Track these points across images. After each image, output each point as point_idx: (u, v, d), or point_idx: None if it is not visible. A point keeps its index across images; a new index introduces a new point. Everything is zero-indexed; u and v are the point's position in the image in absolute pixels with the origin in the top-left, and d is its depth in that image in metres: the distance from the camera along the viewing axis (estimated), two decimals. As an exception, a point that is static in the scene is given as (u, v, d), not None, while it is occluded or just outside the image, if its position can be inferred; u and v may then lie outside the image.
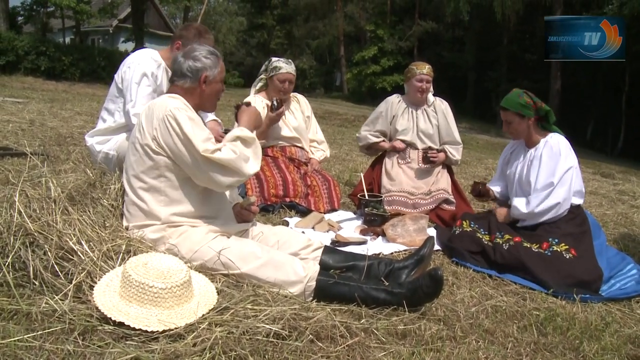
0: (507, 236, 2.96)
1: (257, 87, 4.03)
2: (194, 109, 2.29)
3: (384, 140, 4.02)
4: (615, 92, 21.89)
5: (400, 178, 3.85)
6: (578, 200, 3.06)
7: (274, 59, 3.96)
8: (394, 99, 4.06)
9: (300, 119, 4.04)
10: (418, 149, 3.94)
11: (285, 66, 3.87)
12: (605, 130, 22.55)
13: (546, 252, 2.84)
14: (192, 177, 2.23)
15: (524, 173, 3.14)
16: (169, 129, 2.16)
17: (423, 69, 3.87)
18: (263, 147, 3.94)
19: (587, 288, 2.68)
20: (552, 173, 2.96)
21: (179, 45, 3.07)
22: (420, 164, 3.91)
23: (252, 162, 2.28)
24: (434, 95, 4.02)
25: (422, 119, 3.96)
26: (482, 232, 3.07)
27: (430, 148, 3.92)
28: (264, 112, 3.90)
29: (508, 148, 3.38)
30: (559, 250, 2.83)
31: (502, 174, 3.40)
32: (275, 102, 3.78)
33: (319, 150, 4.19)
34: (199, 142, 2.14)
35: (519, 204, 3.05)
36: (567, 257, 2.80)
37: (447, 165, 4.03)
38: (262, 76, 3.99)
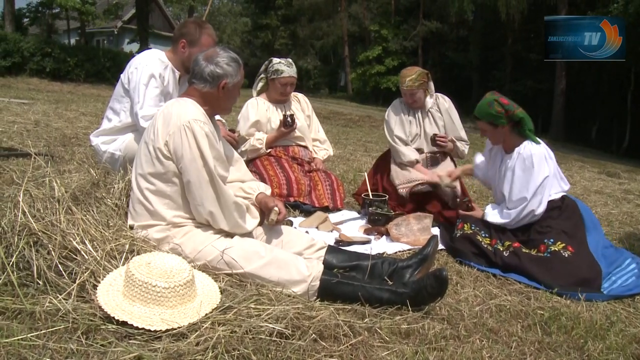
0: (507, 243, 2.95)
1: (258, 89, 3.99)
2: (208, 114, 2.29)
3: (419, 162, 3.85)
4: (620, 91, 21.75)
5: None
6: (560, 193, 3.03)
7: (275, 60, 3.88)
8: (397, 104, 3.97)
9: (301, 118, 4.03)
10: (425, 152, 3.91)
11: (287, 70, 3.80)
12: (610, 129, 22.40)
13: (545, 254, 2.83)
14: (187, 191, 2.20)
15: (498, 181, 3.12)
16: (183, 140, 2.14)
17: (404, 83, 3.71)
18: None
19: (589, 286, 2.67)
20: (526, 188, 2.92)
21: (184, 44, 3.07)
22: (428, 160, 3.89)
23: (246, 224, 2.31)
24: (436, 91, 3.95)
25: (429, 123, 3.90)
26: (483, 235, 3.05)
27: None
28: (267, 113, 3.89)
29: (488, 144, 3.27)
30: (556, 249, 2.82)
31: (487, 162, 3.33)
32: (289, 119, 3.77)
33: (322, 149, 4.18)
34: (211, 160, 2.17)
35: (494, 217, 3.07)
36: (566, 255, 2.79)
37: (454, 162, 4.01)
38: (262, 76, 3.95)
